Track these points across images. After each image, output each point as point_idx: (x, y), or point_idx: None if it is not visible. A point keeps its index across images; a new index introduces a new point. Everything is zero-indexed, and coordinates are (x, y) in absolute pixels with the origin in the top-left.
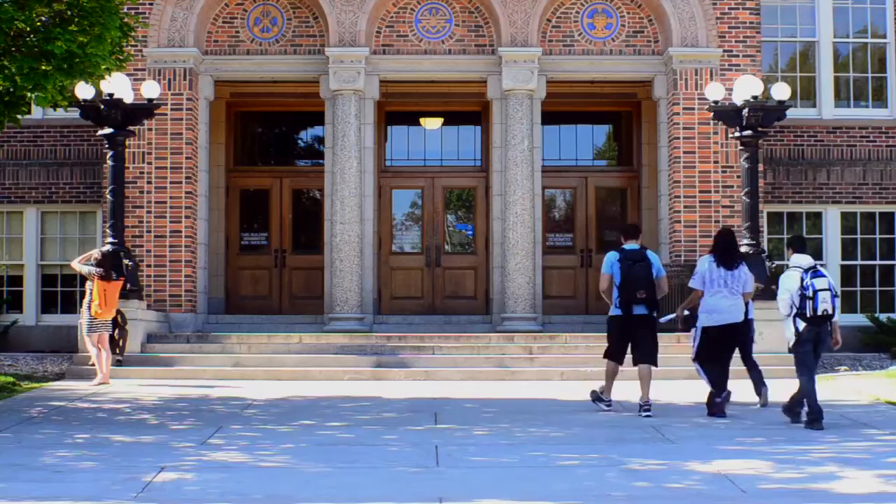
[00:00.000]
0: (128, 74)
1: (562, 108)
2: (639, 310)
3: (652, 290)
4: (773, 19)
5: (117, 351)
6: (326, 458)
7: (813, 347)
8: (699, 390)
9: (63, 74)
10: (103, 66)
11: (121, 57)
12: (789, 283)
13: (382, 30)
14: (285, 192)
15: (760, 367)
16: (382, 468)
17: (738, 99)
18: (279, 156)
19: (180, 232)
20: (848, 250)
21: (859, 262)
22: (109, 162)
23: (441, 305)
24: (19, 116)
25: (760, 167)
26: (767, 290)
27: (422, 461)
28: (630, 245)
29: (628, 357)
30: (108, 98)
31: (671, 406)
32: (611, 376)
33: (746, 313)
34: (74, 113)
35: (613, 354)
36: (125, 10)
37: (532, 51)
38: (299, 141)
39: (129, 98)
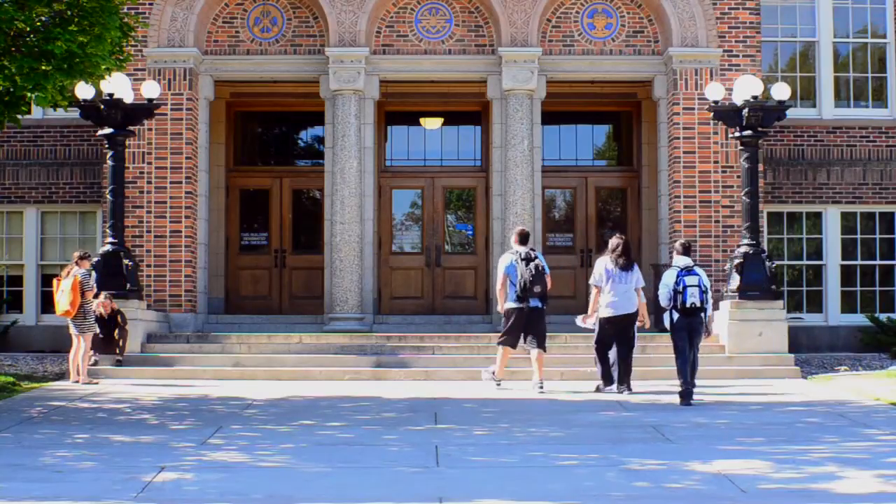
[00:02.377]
0: (128, 74)
1: (562, 108)
2: (534, 302)
3: (544, 286)
4: (773, 19)
5: (117, 351)
6: (326, 458)
7: (688, 336)
8: (698, 391)
9: (63, 74)
10: (103, 66)
11: (121, 57)
12: (668, 279)
13: (382, 30)
14: (285, 192)
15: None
16: (382, 468)
17: (738, 99)
18: (279, 156)
19: (180, 232)
20: (848, 250)
21: (859, 262)
22: (109, 162)
23: (441, 305)
24: (19, 116)
25: (760, 167)
26: (767, 290)
27: (422, 461)
28: (523, 249)
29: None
30: (108, 98)
31: (670, 406)
32: (505, 361)
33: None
34: (74, 113)
35: (511, 341)
36: (125, 10)
37: (532, 51)
38: (299, 141)
39: (129, 98)
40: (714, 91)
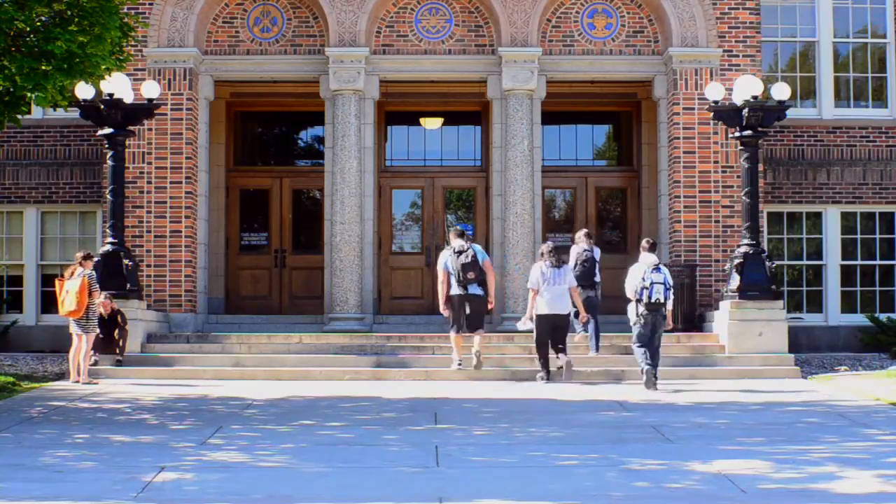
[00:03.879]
0: (128, 74)
1: (562, 108)
2: (472, 289)
3: (479, 273)
4: (773, 19)
5: (117, 351)
6: (326, 458)
7: (651, 329)
8: (698, 391)
9: (63, 74)
10: (103, 66)
11: (121, 57)
12: (636, 275)
13: (382, 30)
14: (285, 192)
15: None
16: (382, 468)
17: (738, 99)
18: (279, 156)
19: (180, 232)
20: (848, 250)
21: (859, 262)
22: (109, 162)
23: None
24: (19, 116)
25: (760, 167)
26: (767, 290)
27: (422, 461)
28: (457, 243)
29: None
30: (108, 98)
31: (671, 406)
32: (458, 344)
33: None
34: (74, 113)
35: (459, 326)
36: (125, 10)
37: (532, 51)
38: (299, 141)
39: (129, 98)
40: (714, 91)
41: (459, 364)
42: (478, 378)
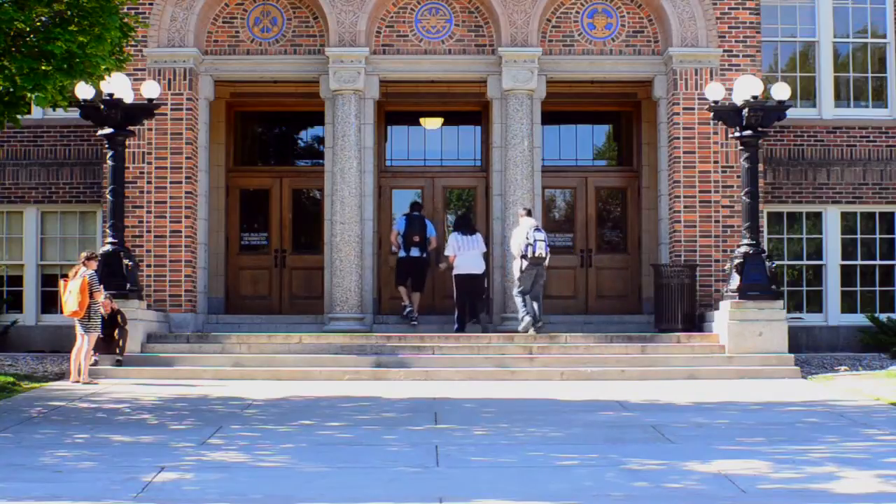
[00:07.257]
0: (128, 74)
1: (562, 108)
2: (414, 252)
3: (423, 238)
4: (773, 19)
5: (117, 351)
6: (326, 457)
7: (532, 282)
8: (698, 390)
9: (63, 74)
10: (103, 66)
11: (121, 57)
12: (520, 234)
13: (382, 30)
14: (285, 192)
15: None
16: (382, 468)
17: (738, 99)
18: (279, 156)
19: (180, 232)
20: (848, 250)
21: (859, 262)
22: (109, 162)
23: (441, 305)
24: (19, 116)
25: (760, 167)
26: (767, 290)
27: (421, 461)
28: (416, 212)
29: None
30: (108, 98)
31: (671, 406)
32: (404, 293)
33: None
34: (74, 113)
35: (400, 282)
36: (125, 10)
37: (532, 51)
38: (299, 141)
39: (129, 98)
40: (714, 91)
41: (410, 310)
42: (477, 378)
